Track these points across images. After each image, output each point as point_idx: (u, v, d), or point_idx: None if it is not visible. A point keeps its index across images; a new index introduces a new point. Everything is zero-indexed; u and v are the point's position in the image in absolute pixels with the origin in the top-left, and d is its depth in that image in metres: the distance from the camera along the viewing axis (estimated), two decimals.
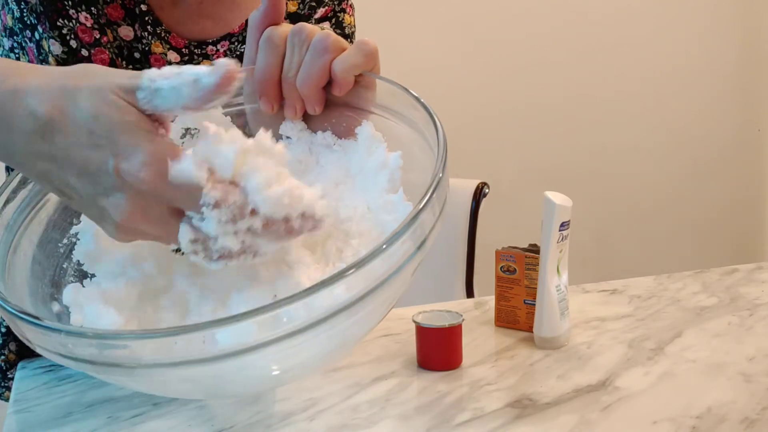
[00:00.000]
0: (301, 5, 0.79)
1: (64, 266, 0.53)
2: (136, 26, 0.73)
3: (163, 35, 0.74)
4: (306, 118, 0.55)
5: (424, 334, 0.82)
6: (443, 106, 2.34)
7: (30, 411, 0.74)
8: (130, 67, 0.74)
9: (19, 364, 0.87)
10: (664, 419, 0.68)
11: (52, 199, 0.53)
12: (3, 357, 0.90)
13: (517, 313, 0.92)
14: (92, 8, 0.70)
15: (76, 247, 0.53)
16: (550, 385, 0.76)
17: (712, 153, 2.64)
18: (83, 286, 0.50)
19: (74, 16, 0.69)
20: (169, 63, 0.75)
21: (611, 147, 2.49)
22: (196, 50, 0.75)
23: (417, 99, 0.51)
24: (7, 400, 0.89)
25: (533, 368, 0.81)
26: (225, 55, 0.76)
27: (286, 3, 0.73)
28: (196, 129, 0.55)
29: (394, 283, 0.42)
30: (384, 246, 0.41)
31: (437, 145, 0.47)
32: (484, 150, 2.33)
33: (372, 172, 0.51)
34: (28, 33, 0.72)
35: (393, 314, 0.96)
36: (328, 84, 0.52)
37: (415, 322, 0.82)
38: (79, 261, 0.53)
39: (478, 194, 1.53)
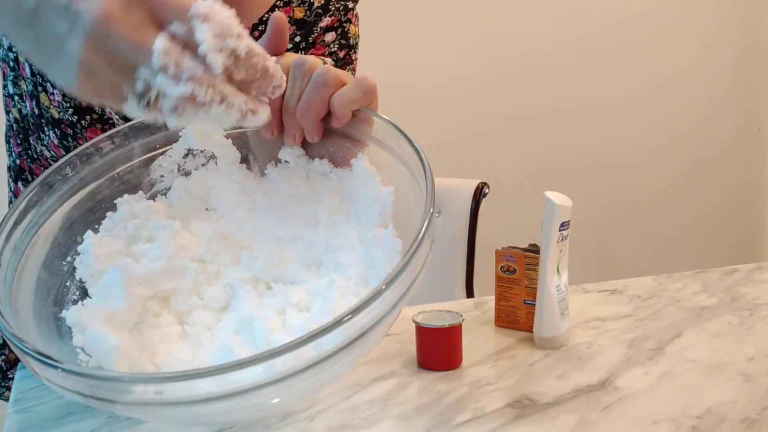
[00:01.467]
0: (307, 12, 0.79)
1: (68, 284, 0.54)
2: None
3: None
4: (305, 144, 0.56)
5: (424, 334, 0.82)
6: (444, 106, 2.35)
7: (30, 411, 0.74)
8: None
9: (20, 364, 0.87)
10: (664, 419, 0.68)
11: (57, 218, 0.54)
12: (3, 357, 0.90)
13: (517, 313, 0.92)
14: None
15: (77, 266, 0.54)
16: (550, 385, 0.76)
17: (713, 153, 2.64)
18: (85, 306, 0.51)
19: None
20: None
21: (611, 147, 2.49)
22: None
23: (407, 138, 0.52)
24: (7, 400, 0.89)
25: (533, 368, 0.81)
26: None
27: (293, 9, 0.75)
28: (198, 150, 0.57)
29: (383, 324, 0.43)
30: (383, 288, 0.42)
31: (425, 183, 0.48)
32: (485, 150, 2.33)
33: (365, 205, 0.53)
34: None
35: None
36: (327, 115, 0.54)
37: (415, 322, 0.82)
38: (81, 279, 0.54)
39: (478, 194, 1.53)
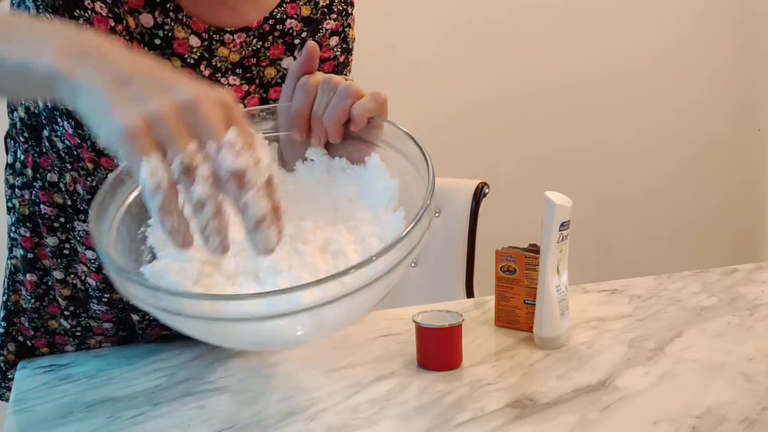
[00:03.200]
0: (313, 11, 0.83)
1: (141, 248, 0.63)
2: (156, 13, 0.75)
3: (184, 20, 0.76)
4: (327, 146, 0.68)
5: (424, 334, 0.82)
6: (443, 106, 2.34)
7: (30, 411, 0.74)
8: (151, 52, 0.76)
9: (19, 364, 0.87)
10: (664, 419, 0.68)
11: (134, 197, 0.62)
12: (2, 357, 0.91)
13: (517, 313, 0.92)
14: None
15: (148, 235, 0.63)
16: (550, 385, 0.77)
17: (713, 151, 2.63)
18: (158, 262, 0.61)
19: (90, 6, 0.71)
20: (191, 48, 0.78)
21: (612, 147, 2.49)
22: (215, 35, 0.78)
23: (413, 139, 0.64)
24: (7, 400, 0.89)
25: (533, 368, 0.81)
26: (240, 47, 0.80)
27: (300, 7, 0.81)
28: None
29: (389, 277, 0.54)
30: (386, 249, 0.53)
31: (427, 176, 0.60)
32: (484, 150, 2.33)
33: (376, 194, 0.65)
34: None
35: (393, 314, 0.96)
36: (347, 121, 0.66)
37: (415, 322, 0.82)
38: (151, 246, 0.63)
39: (478, 194, 1.53)
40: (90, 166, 0.78)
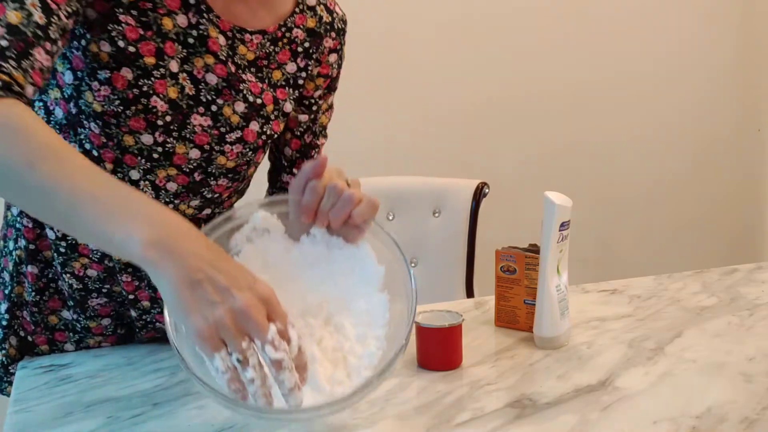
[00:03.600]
0: (317, 24, 0.91)
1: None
2: (190, 14, 0.82)
3: (214, 20, 0.83)
4: (327, 226, 0.81)
5: (424, 334, 0.82)
6: (444, 106, 2.33)
7: (30, 411, 0.74)
8: (184, 51, 0.82)
9: (20, 364, 0.87)
10: (664, 419, 0.68)
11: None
12: (4, 351, 0.91)
13: (517, 313, 0.92)
14: (133, 11, 0.79)
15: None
16: (550, 385, 0.77)
17: (713, 151, 2.64)
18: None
19: (123, 20, 0.79)
20: (221, 46, 0.84)
21: (612, 147, 2.49)
22: (237, 34, 0.85)
23: (394, 242, 0.79)
24: (8, 395, 0.89)
25: (533, 368, 0.81)
26: (256, 47, 0.87)
27: (307, 18, 0.91)
28: (259, 226, 0.80)
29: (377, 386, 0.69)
30: (381, 372, 0.68)
31: (409, 279, 0.76)
32: (484, 150, 2.32)
33: (366, 274, 0.79)
34: (75, 43, 0.79)
35: None
36: None
37: (415, 322, 0.82)
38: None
39: (478, 194, 1.53)
40: (110, 166, 0.82)
